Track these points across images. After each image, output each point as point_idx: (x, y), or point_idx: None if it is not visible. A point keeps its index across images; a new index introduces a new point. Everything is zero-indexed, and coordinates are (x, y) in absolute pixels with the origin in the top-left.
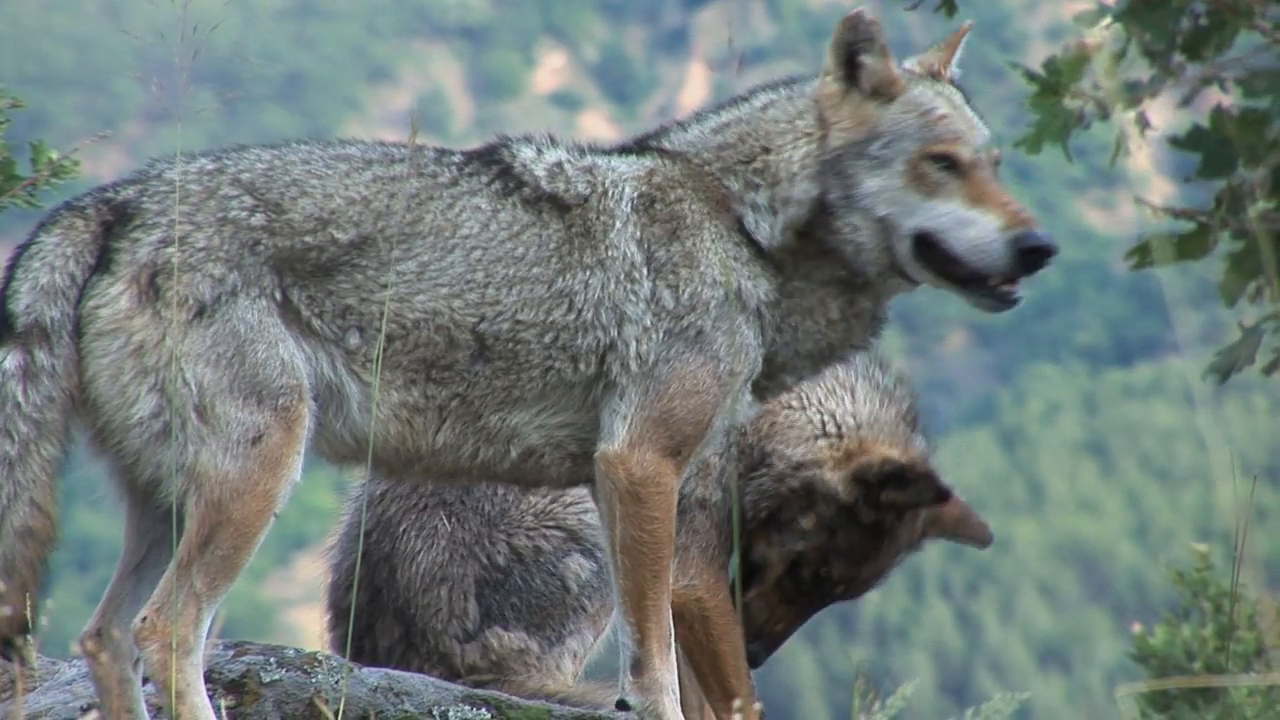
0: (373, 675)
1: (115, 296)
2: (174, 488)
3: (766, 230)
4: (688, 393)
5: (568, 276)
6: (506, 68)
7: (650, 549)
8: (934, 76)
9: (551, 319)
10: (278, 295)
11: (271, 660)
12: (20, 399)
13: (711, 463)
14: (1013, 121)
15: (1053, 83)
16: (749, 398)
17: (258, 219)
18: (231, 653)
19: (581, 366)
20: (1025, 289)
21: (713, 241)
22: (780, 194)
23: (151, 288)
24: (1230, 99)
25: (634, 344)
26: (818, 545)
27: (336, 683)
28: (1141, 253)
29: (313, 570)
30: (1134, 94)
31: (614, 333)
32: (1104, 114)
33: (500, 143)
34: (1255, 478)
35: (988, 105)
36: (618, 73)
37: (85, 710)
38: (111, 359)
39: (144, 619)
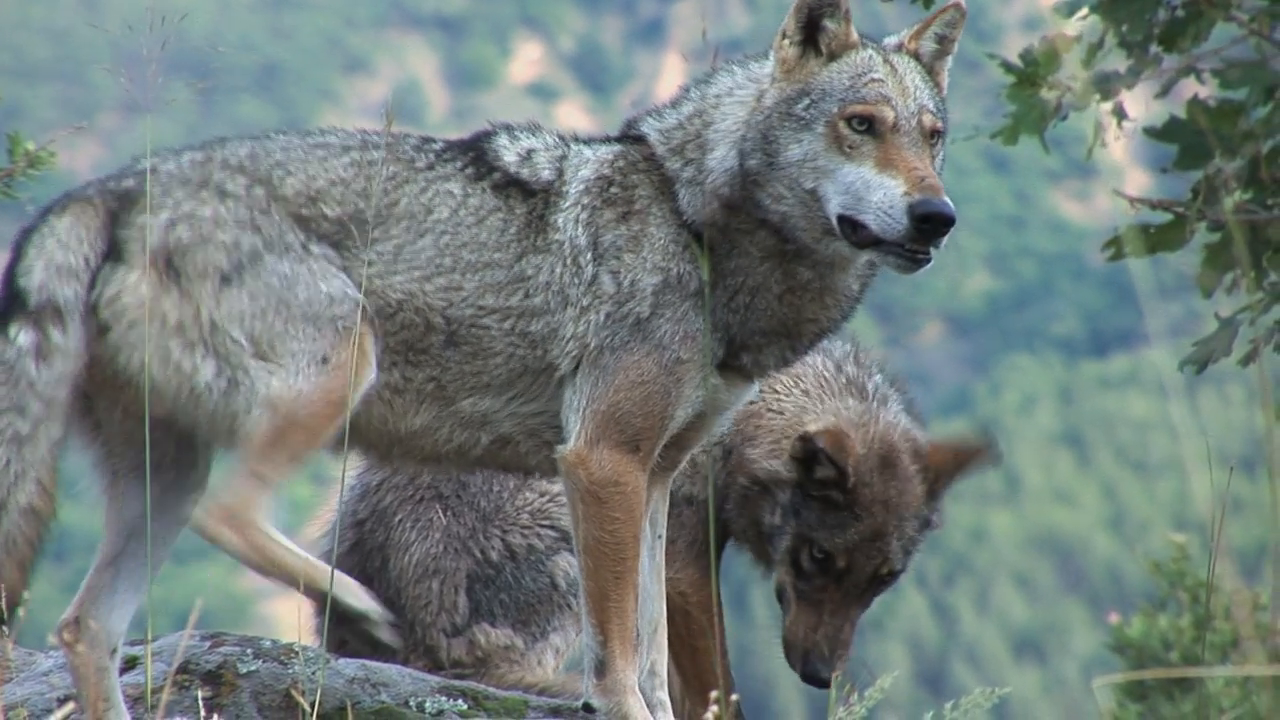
0: (349, 666)
1: (135, 284)
2: (205, 437)
3: (691, 205)
4: (633, 384)
5: (523, 262)
6: (483, 58)
7: (612, 550)
8: (899, 48)
9: (509, 304)
10: (310, 247)
11: (248, 651)
12: (34, 376)
13: (699, 460)
14: (989, 113)
15: (1029, 73)
16: (717, 380)
17: (258, 190)
18: (208, 644)
19: (539, 353)
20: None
21: (657, 227)
22: (705, 164)
23: (170, 269)
24: (1207, 90)
25: (571, 326)
26: (795, 531)
27: (313, 674)
28: (1118, 244)
29: None
30: (1111, 84)
31: (560, 317)
32: (1081, 105)
33: (486, 131)
34: (1231, 469)
35: (964, 96)
36: (594, 63)
37: (62, 701)
38: (153, 344)
39: (206, 509)
